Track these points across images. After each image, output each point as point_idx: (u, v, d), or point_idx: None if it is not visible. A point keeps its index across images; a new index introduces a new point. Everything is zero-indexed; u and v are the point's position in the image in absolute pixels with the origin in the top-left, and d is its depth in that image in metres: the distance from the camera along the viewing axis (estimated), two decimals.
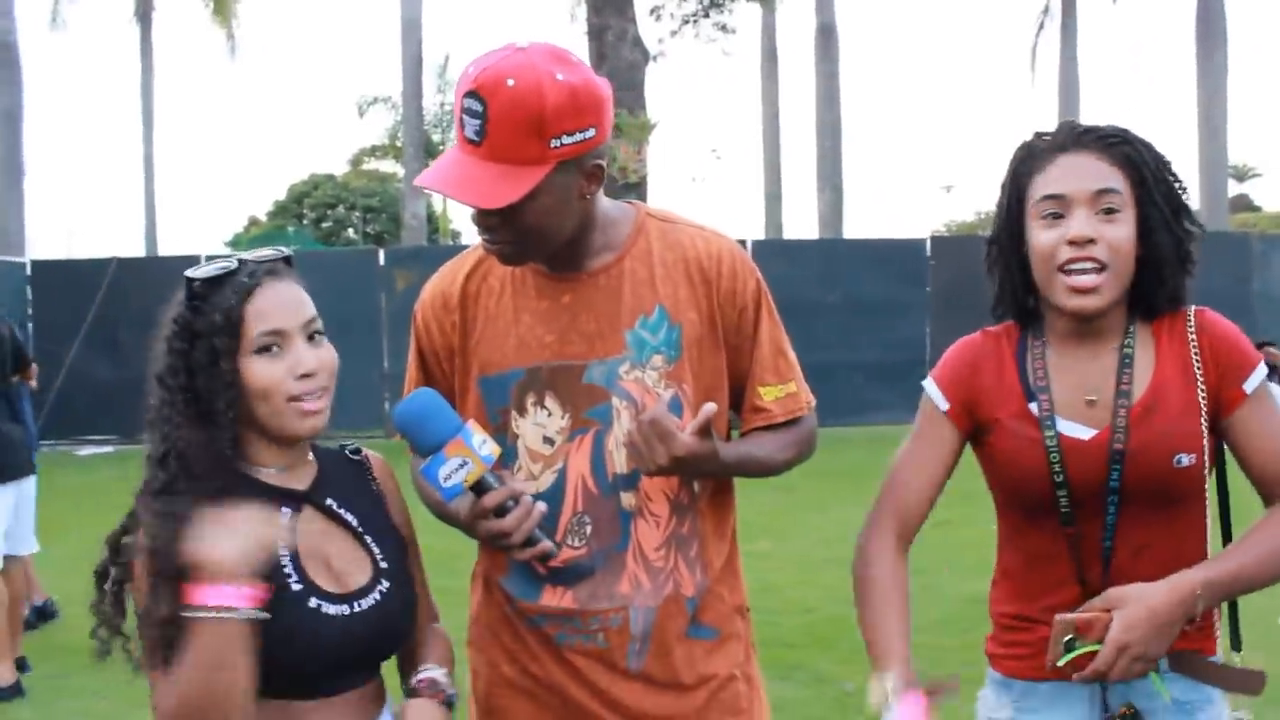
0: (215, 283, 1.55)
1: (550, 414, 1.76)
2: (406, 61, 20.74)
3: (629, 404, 1.75)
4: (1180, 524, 1.67)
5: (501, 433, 1.77)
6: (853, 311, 13.87)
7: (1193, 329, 1.68)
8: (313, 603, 1.51)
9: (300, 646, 1.49)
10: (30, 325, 14.19)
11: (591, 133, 1.62)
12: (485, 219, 1.65)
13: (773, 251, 14.95)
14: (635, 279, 1.77)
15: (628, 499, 1.75)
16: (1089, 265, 1.62)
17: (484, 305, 1.80)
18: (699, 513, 1.80)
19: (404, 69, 20.89)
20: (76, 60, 76.26)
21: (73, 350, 13.41)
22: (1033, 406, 1.70)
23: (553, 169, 1.60)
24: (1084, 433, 1.66)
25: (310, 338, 1.57)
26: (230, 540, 1.37)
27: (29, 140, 22.37)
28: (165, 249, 25.31)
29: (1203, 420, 1.65)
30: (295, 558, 1.54)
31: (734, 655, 1.84)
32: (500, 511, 1.61)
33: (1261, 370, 1.68)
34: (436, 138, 32.13)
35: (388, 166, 37.86)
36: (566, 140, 1.59)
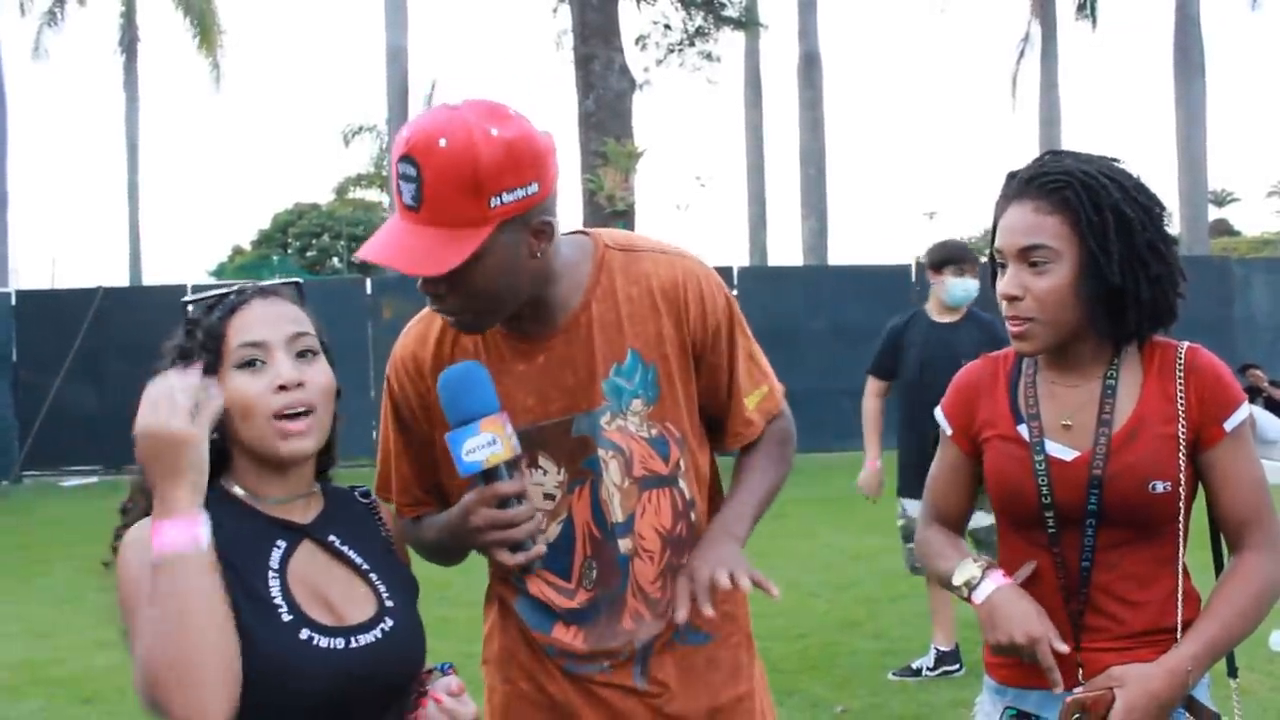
0: (208, 307, 1.55)
1: (546, 472, 1.76)
2: (392, 89, 20.79)
3: (615, 453, 1.75)
4: (1154, 551, 1.74)
5: None
6: (838, 338, 13.92)
7: (1181, 366, 1.74)
8: (304, 634, 1.44)
9: (289, 679, 1.41)
10: (14, 356, 14.13)
11: (534, 188, 1.56)
12: (433, 287, 1.59)
13: (758, 278, 15.02)
14: (604, 324, 1.73)
15: (625, 544, 1.77)
16: (1018, 316, 1.74)
17: None
18: (692, 544, 1.80)
19: (389, 97, 20.93)
20: (60, 90, 76.16)
21: (57, 381, 13.33)
22: (1022, 429, 1.79)
23: (495, 229, 1.54)
24: (1067, 454, 1.75)
25: (301, 355, 1.52)
26: (167, 403, 1.37)
27: (12, 169, 22.30)
28: (150, 278, 25.21)
29: (1180, 452, 1.71)
30: (286, 589, 1.47)
31: (741, 679, 1.85)
32: (505, 504, 1.60)
33: (1243, 411, 1.74)
34: None
35: (373, 195, 37.89)
36: (507, 198, 1.53)
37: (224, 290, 1.56)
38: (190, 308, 1.56)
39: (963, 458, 1.90)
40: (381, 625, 1.51)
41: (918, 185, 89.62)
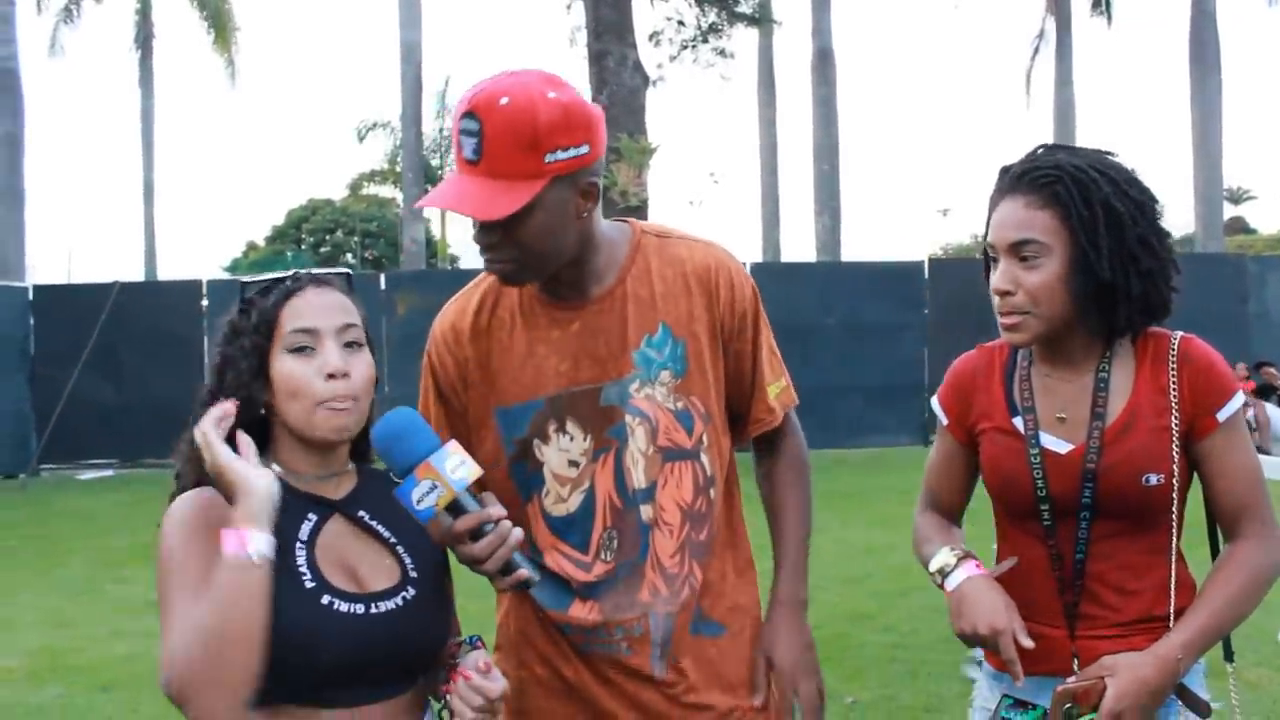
0: (265, 290, 1.63)
1: (573, 438, 1.81)
2: (406, 86, 20.88)
3: (642, 420, 1.81)
4: (1149, 540, 1.75)
5: (522, 460, 1.82)
6: (851, 334, 13.94)
7: (1174, 357, 1.75)
8: (325, 599, 1.52)
9: (310, 642, 1.49)
10: (32, 350, 14.24)
11: (585, 149, 1.66)
12: (486, 236, 1.69)
13: (771, 274, 15.02)
14: (638, 299, 1.82)
15: (646, 511, 1.81)
16: (1010, 309, 1.75)
17: (497, 338, 1.84)
18: (712, 520, 1.86)
19: (403, 93, 21.02)
20: (76, 86, 76.54)
21: (74, 374, 13.43)
22: (1017, 421, 1.81)
23: (548, 184, 1.64)
24: (1062, 447, 1.77)
25: (348, 345, 1.60)
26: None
27: (29, 166, 22.46)
28: (164, 273, 25.41)
29: (1174, 444, 1.72)
30: (312, 560, 1.55)
31: (757, 674, 1.88)
32: (476, 535, 1.58)
33: (1237, 401, 1.74)
34: (435, 162, 32.27)
35: (386, 191, 38.07)
36: (560, 155, 1.63)
37: (280, 275, 1.64)
38: (246, 287, 1.64)
39: (958, 448, 1.92)
40: (403, 594, 1.58)
41: (931, 181, 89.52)
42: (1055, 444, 1.77)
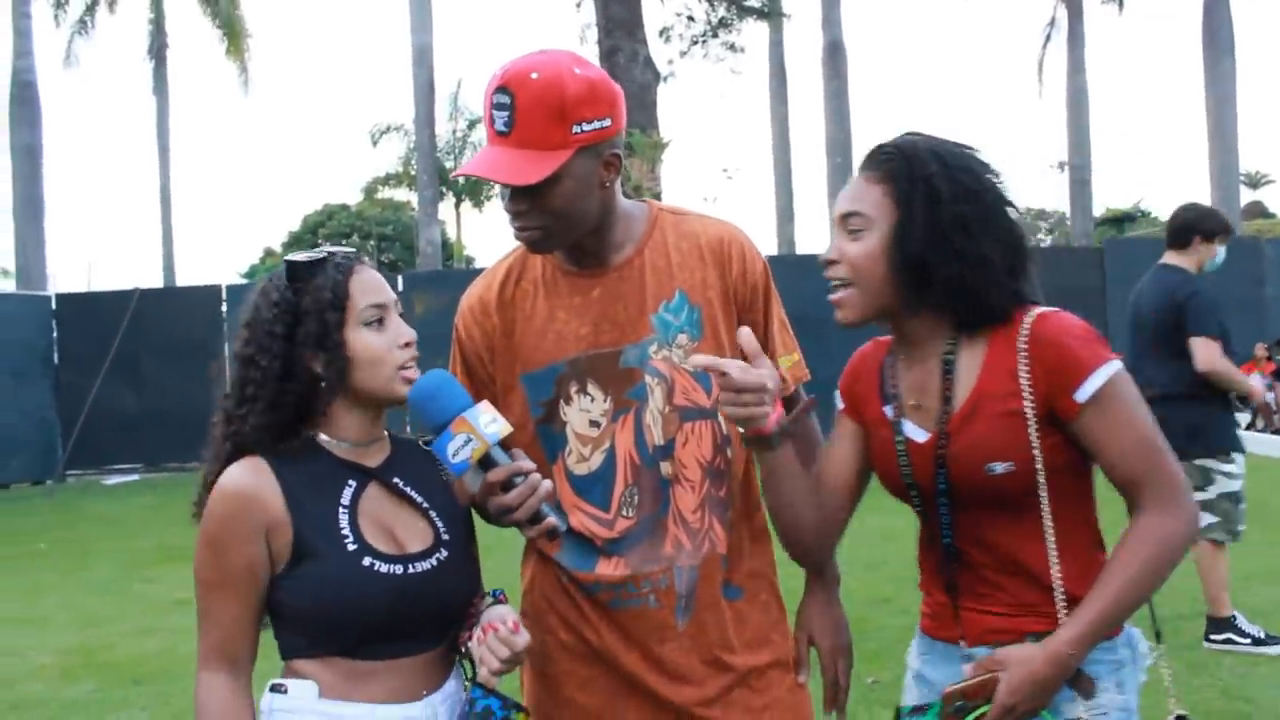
0: (315, 266, 1.72)
1: (593, 399, 1.89)
2: (418, 89, 20.95)
3: (660, 380, 1.89)
4: (1020, 525, 1.70)
5: (548, 422, 1.90)
6: (866, 325, 13.92)
7: (1025, 338, 1.68)
8: (366, 561, 1.64)
9: (351, 600, 1.61)
10: (56, 358, 14.40)
11: (608, 122, 1.77)
12: (516, 204, 1.78)
13: (786, 266, 14.98)
14: (655, 268, 1.91)
15: (666, 467, 1.89)
16: (835, 282, 1.77)
17: (521, 307, 1.93)
18: (731, 477, 1.92)
19: (416, 96, 21.09)
20: (91, 97, 77.09)
21: (97, 381, 13.58)
22: (887, 410, 1.82)
23: (574, 154, 1.74)
24: (920, 435, 1.77)
25: (401, 315, 1.76)
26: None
27: (48, 176, 22.66)
28: (183, 280, 25.57)
29: (1030, 429, 1.66)
30: (355, 523, 1.66)
31: (772, 641, 1.95)
32: (507, 487, 1.70)
33: (1100, 376, 1.64)
34: (450, 164, 32.34)
35: (401, 194, 38.13)
36: (586, 127, 1.74)
37: (318, 253, 1.75)
38: (299, 265, 1.72)
39: (849, 431, 1.88)
40: (437, 555, 1.71)
41: None
42: (915, 432, 1.77)
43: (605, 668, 1.90)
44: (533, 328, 1.91)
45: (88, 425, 13.63)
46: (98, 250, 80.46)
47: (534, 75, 1.72)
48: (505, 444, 1.71)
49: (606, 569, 1.88)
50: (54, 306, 14.78)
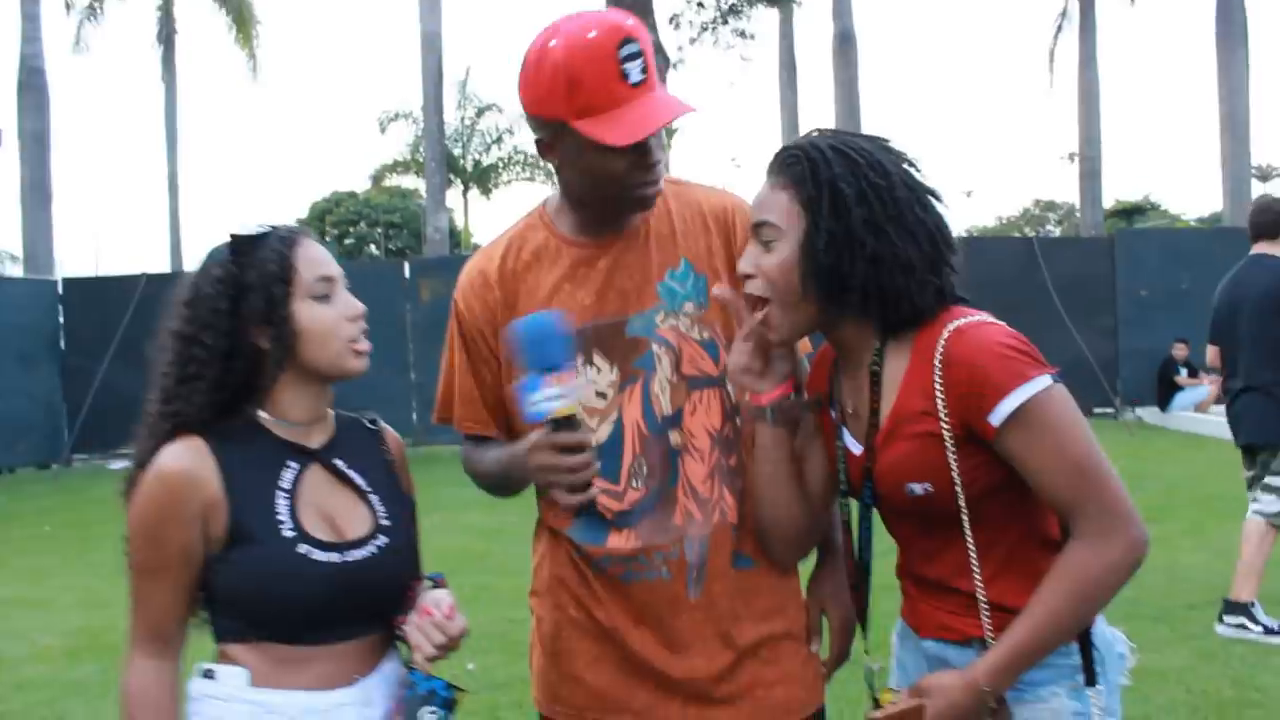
0: (259, 239, 1.67)
1: (600, 370, 1.86)
2: (427, 76, 20.89)
3: (667, 349, 1.85)
4: (947, 546, 1.65)
5: None
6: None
7: (940, 357, 1.58)
8: (301, 548, 1.59)
9: (287, 589, 1.57)
10: (62, 342, 14.41)
11: None
12: (655, 155, 1.76)
13: None
14: (659, 236, 1.89)
15: (674, 437, 1.85)
16: (751, 295, 1.69)
17: (523, 280, 1.89)
18: (741, 446, 1.89)
19: (424, 83, 21.04)
20: (100, 82, 77.14)
21: (104, 366, 13.58)
22: (834, 413, 1.78)
23: None
24: (856, 447, 1.73)
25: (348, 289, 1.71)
26: None
27: (56, 161, 22.68)
28: (189, 266, 25.50)
29: (948, 450, 1.58)
30: (293, 508, 1.62)
31: (786, 611, 1.93)
32: (571, 452, 1.65)
33: (1016, 398, 1.53)
34: (458, 151, 32.33)
35: (409, 182, 38.13)
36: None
37: (262, 226, 1.68)
38: (241, 239, 1.66)
39: (819, 428, 1.84)
40: (376, 542, 1.66)
41: (955, 163, 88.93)
42: (851, 443, 1.73)
43: (614, 645, 1.87)
44: (535, 300, 1.87)
45: (94, 409, 13.63)
46: (105, 235, 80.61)
47: (629, 21, 1.73)
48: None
49: (617, 542, 1.85)
50: (61, 291, 14.78)
